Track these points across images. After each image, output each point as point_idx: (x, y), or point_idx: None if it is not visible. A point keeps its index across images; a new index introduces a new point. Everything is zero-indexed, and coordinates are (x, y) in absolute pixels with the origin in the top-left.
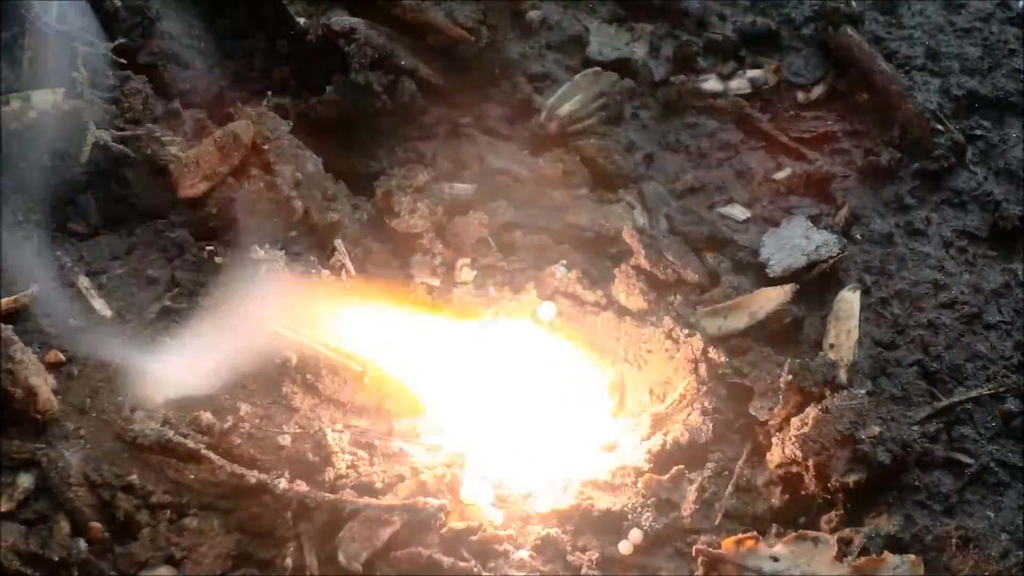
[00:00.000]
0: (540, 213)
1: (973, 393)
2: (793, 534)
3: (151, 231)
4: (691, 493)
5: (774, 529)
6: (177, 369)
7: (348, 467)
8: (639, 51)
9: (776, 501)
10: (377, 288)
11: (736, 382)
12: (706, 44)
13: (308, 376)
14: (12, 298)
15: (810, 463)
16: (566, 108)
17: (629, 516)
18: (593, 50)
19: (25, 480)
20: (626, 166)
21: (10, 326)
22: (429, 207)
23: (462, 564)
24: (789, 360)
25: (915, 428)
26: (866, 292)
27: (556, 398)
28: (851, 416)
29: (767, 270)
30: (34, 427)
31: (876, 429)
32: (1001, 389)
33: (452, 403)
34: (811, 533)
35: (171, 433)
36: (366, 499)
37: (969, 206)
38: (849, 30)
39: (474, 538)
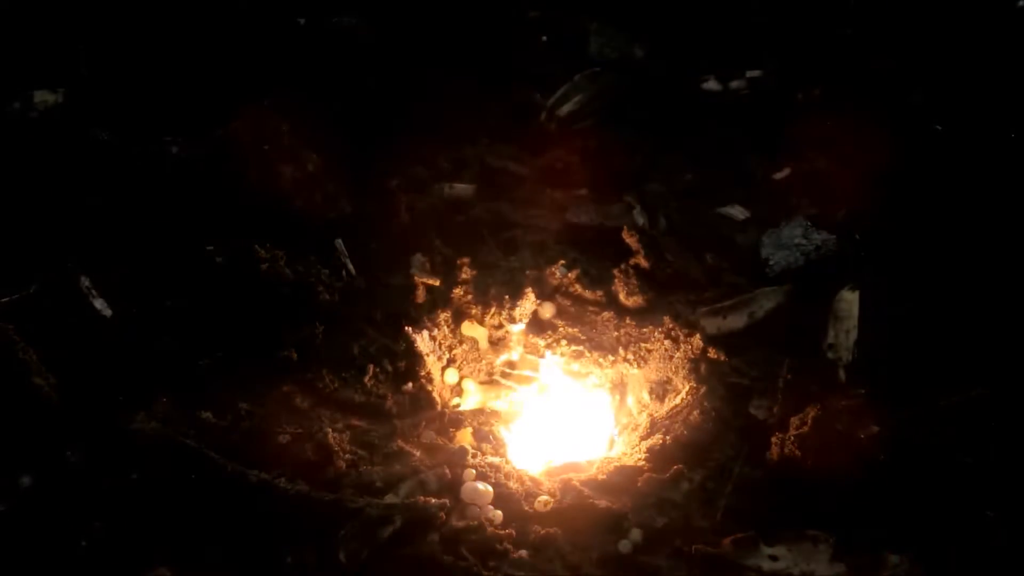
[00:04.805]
0: (540, 213)
1: (974, 393)
2: (792, 533)
3: (151, 231)
4: (691, 492)
5: (773, 529)
6: None
7: (348, 467)
8: (639, 51)
9: (775, 501)
10: None
11: (735, 382)
12: (707, 44)
13: (308, 375)
14: (13, 298)
15: (809, 463)
16: (566, 108)
17: (629, 515)
18: (593, 50)
19: (25, 480)
20: (626, 166)
21: (11, 326)
22: (429, 207)
23: (462, 563)
24: (788, 360)
25: (914, 428)
26: (865, 292)
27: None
28: (850, 416)
29: (767, 270)
30: (34, 427)
31: (875, 429)
32: (1002, 389)
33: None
34: (810, 532)
35: (171, 433)
36: (366, 499)
37: (969, 206)
38: (849, 29)
39: (474, 537)
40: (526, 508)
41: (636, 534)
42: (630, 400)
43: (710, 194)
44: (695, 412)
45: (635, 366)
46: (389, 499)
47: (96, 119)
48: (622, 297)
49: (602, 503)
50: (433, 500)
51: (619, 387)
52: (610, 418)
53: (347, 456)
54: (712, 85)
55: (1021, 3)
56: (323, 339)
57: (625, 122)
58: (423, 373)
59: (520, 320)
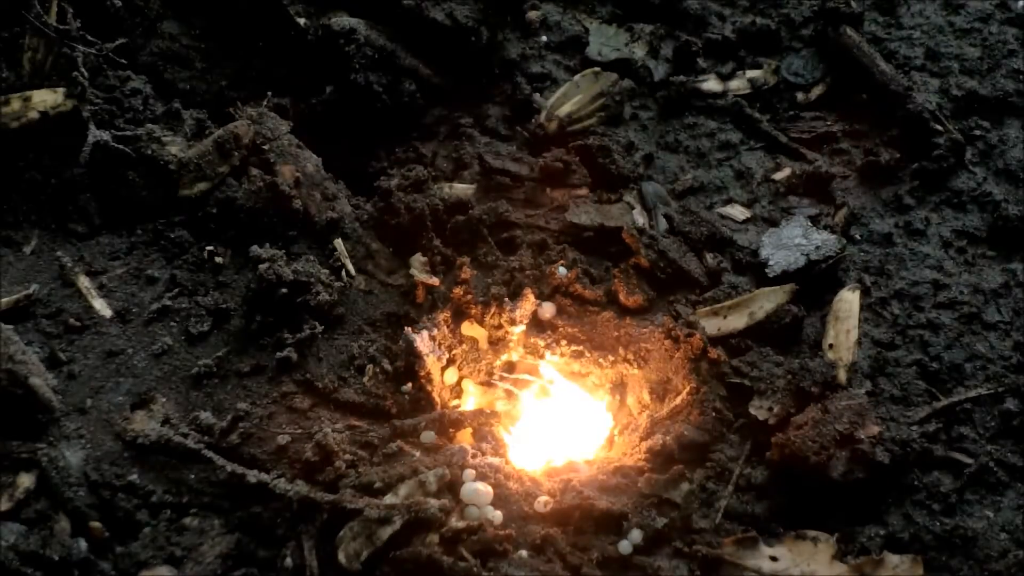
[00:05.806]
0: (540, 213)
1: (972, 393)
2: (792, 534)
3: (151, 231)
4: (691, 493)
5: (774, 529)
6: None
7: (348, 467)
8: (638, 51)
9: (776, 501)
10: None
11: (736, 382)
12: (705, 44)
13: (308, 376)
14: (12, 298)
15: (810, 463)
16: (566, 108)
17: (629, 516)
18: (593, 50)
19: (25, 480)
20: (626, 166)
21: (10, 326)
22: (429, 207)
23: (462, 564)
24: (788, 360)
25: (914, 428)
26: (865, 292)
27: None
28: (850, 416)
29: (767, 270)
30: (34, 427)
31: (875, 429)
32: (1000, 389)
33: None
34: (810, 533)
35: (171, 433)
36: (366, 499)
37: (968, 206)
38: (848, 30)
39: (474, 538)
40: (526, 508)
41: (636, 535)
42: (630, 400)
43: (710, 194)
44: (695, 412)
45: (635, 366)
46: (389, 500)
47: (95, 119)
48: (622, 297)
49: (602, 503)
50: (433, 501)
51: (619, 387)
52: (610, 418)
53: (346, 456)
54: (712, 85)
55: (1021, 3)
56: (323, 339)
57: (625, 122)
58: (423, 373)
59: (520, 320)
